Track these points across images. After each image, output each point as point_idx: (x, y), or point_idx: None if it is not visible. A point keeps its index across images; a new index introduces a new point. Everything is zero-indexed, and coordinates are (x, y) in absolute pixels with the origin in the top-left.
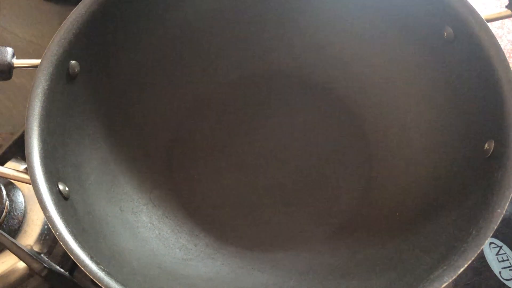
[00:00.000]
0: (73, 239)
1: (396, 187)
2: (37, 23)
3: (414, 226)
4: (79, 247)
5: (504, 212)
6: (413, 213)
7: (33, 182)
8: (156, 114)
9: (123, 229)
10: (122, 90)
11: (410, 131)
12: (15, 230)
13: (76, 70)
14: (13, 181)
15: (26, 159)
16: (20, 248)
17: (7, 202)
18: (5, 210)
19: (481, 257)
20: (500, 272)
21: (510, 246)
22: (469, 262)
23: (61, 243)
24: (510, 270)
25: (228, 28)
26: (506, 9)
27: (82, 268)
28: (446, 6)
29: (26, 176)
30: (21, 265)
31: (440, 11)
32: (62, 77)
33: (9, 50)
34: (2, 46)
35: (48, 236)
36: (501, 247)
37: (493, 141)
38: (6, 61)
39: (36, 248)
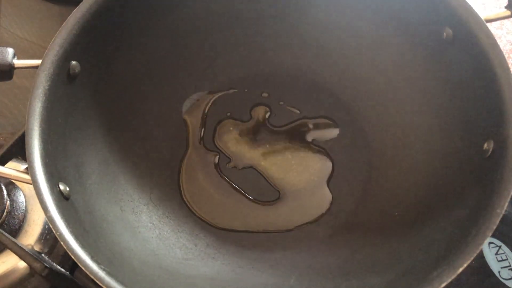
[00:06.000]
0: (74, 239)
1: (395, 186)
2: (37, 24)
3: (414, 225)
4: (80, 247)
5: (503, 212)
6: (412, 213)
7: (34, 182)
8: (157, 114)
9: (123, 229)
10: (122, 91)
11: (410, 131)
12: (16, 229)
13: (76, 70)
14: (14, 181)
15: (27, 159)
16: (20, 247)
17: (8, 202)
18: (6, 210)
19: (480, 256)
20: (499, 272)
21: (509, 246)
22: (469, 262)
23: (61, 243)
24: (509, 269)
25: (228, 29)
26: (506, 9)
27: (83, 268)
28: (446, 7)
29: (27, 176)
30: (22, 264)
31: (440, 12)
32: (63, 77)
33: (10, 50)
34: (3, 46)
35: (49, 236)
36: (500, 246)
37: (492, 141)
38: (7, 61)
39: (36, 248)
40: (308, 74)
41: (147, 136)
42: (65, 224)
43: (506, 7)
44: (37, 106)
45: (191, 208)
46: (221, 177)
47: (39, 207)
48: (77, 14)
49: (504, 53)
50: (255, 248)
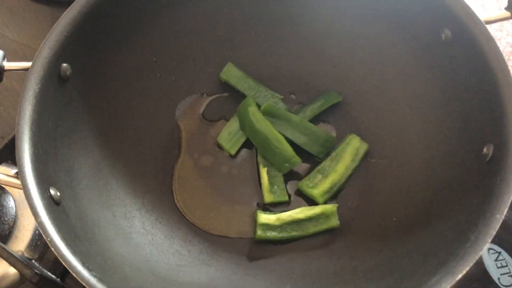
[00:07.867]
0: (65, 245)
1: (393, 192)
2: (28, 25)
3: (412, 231)
4: (71, 253)
5: (503, 217)
6: (410, 219)
7: (24, 187)
8: (150, 117)
9: (115, 235)
10: (114, 93)
11: (408, 134)
12: (6, 235)
13: (67, 73)
14: (3, 186)
15: (17, 163)
16: (11, 254)
17: None
18: None
19: (480, 263)
20: (499, 279)
21: (509, 252)
22: (468, 268)
23: (52, 249)
24: (509, 276)
25: (220, 32)
26: (505, 11)
27: (74, 275)
28: (445, 8)
29: (17, 181)
30: (12, 271)
31: (439, 13)
32: (54, 80)
33: (0, 52)
34: None
35: (39, 242)
36: (500, 253)
37: (492, 145)
38: None
39: (27, 254)
40: (304, 77)
41: (140, 140)
42: (56, 229)
43: (506, 9)
44: (28, 109)
45: (183, 214)
46: (215, 182)
47: (29, 213)
48: (68, 16)
49: (504, 55)
50: (249, 255)
